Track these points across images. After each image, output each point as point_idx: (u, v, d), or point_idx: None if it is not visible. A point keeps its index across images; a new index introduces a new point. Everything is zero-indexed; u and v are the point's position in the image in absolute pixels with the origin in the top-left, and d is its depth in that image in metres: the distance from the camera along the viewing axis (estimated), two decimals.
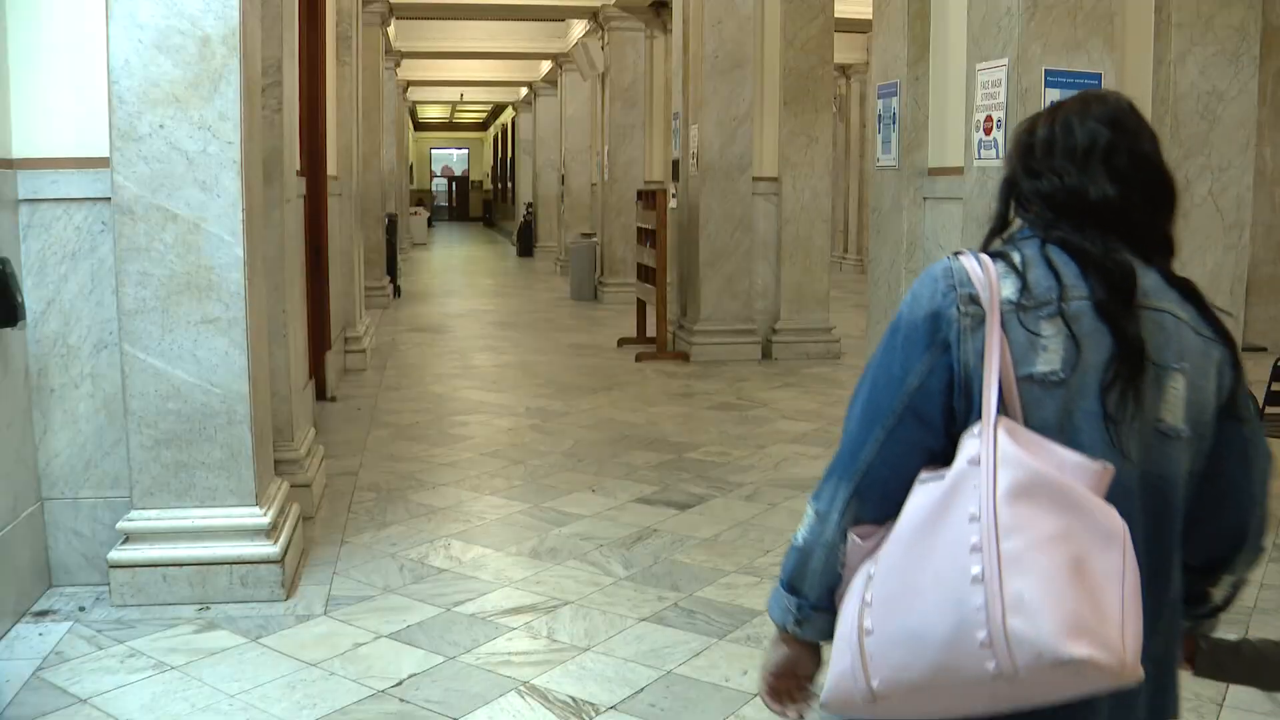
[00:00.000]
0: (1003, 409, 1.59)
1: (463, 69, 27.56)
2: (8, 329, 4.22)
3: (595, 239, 17.87)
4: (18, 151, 4.48)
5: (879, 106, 6.77)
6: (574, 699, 3.79)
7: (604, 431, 7.88)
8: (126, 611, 4.44)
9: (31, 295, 4.51)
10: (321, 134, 8.58)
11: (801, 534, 1.76)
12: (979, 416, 1.59)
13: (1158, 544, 1.64)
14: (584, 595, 4.75)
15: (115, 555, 4.50)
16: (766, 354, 11.25)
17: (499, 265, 25.90)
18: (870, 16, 7.09)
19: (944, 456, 1.63)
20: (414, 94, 33.59)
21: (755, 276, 11.33)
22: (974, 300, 1.64)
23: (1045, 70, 5.10)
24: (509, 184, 39.26)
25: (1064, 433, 1.60)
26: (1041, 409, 1.61)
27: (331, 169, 9.23)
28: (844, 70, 22.12)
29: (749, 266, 11.27)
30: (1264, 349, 10.69)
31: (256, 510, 4.60)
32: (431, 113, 46.35)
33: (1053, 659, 1.44)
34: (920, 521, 1.57)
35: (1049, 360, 1.62)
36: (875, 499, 1.67)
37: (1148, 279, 1.71)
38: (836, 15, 11.36)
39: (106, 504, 4.69)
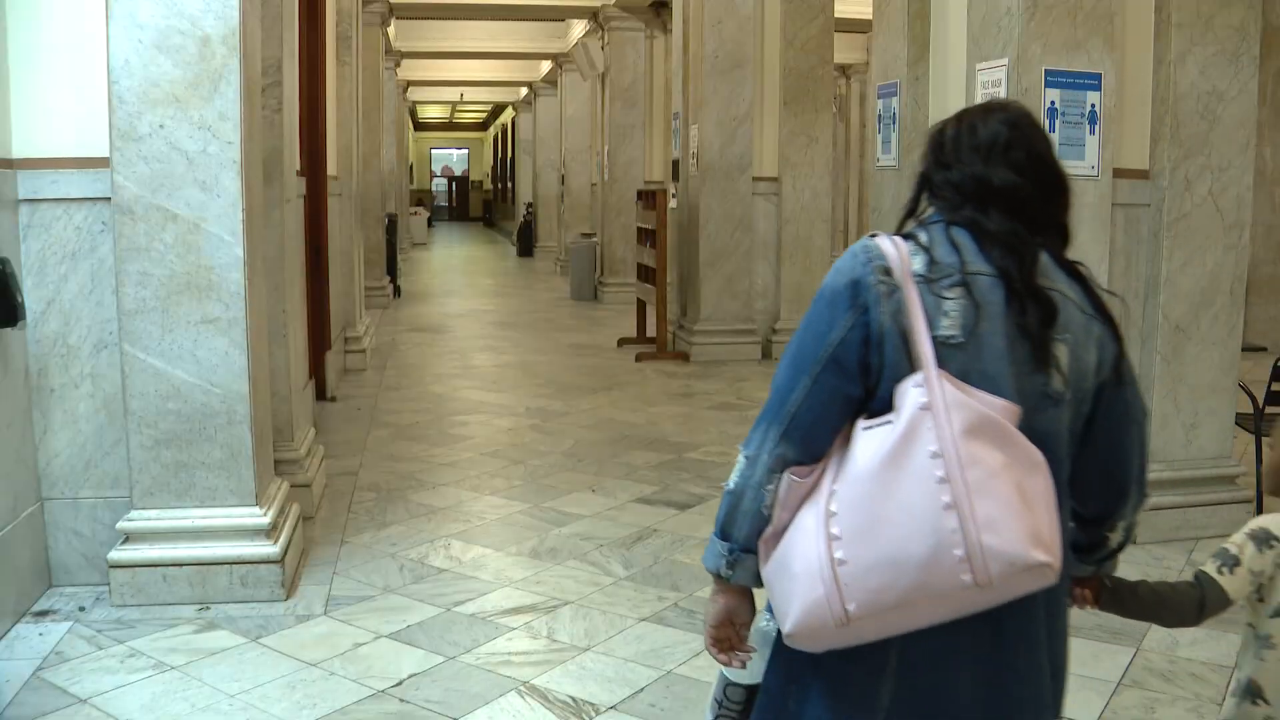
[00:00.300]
0: (918, 364, 1.83)
1: (463, 69, 27.56)
2: (8, 329, 4.22)
3: (595, 239, 17.87)
4: (18, 151, 4.48)
5: (879, 106, 6.77)
6: (574, 699, 3.79)
7: (604, 431, 7.88)
8: (126, 611, 4.44)
9: (31, 295, 4.51)
10: (321, 134, 8.58)
11: (733, 479, 1.95)
12: (892, 371, 1.85)
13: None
14: (584, 595, 4.74)
15: (115, 555, 4.50)
16: (766, 354, 11.25)
17: (499, 265, 25.90)
18: (870, 16, 7.10)
19: (860, 405, 1.89)
20: (414, 94, 33.57)
21: (755, 276, 11.33)
22: (888, 272, 1.88)
23: (1045, 70, 5.09)
24: (509, 184, 39.27)
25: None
26: (944, 367, 1.83)
27: (331, 169, 9.23)
28: (844, 70, 22.11)
29: (749, 266, 11.27)
30: (1264, 349, 10.68)
31: (256, 510, 4.60)
32: (431, 113, 46.35)
33: (1024, 565, 1.73)
34: (880, 462, 1.79)
35: (950, 326, 1.85)
36: (799, 440, 1.88)
37: (1043, 258, 1.95)
38: (836, 15, 11.37)
39: (106, 504, 4.68)
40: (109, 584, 4.51)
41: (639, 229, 12.74)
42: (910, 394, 1.80)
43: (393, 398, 9.26)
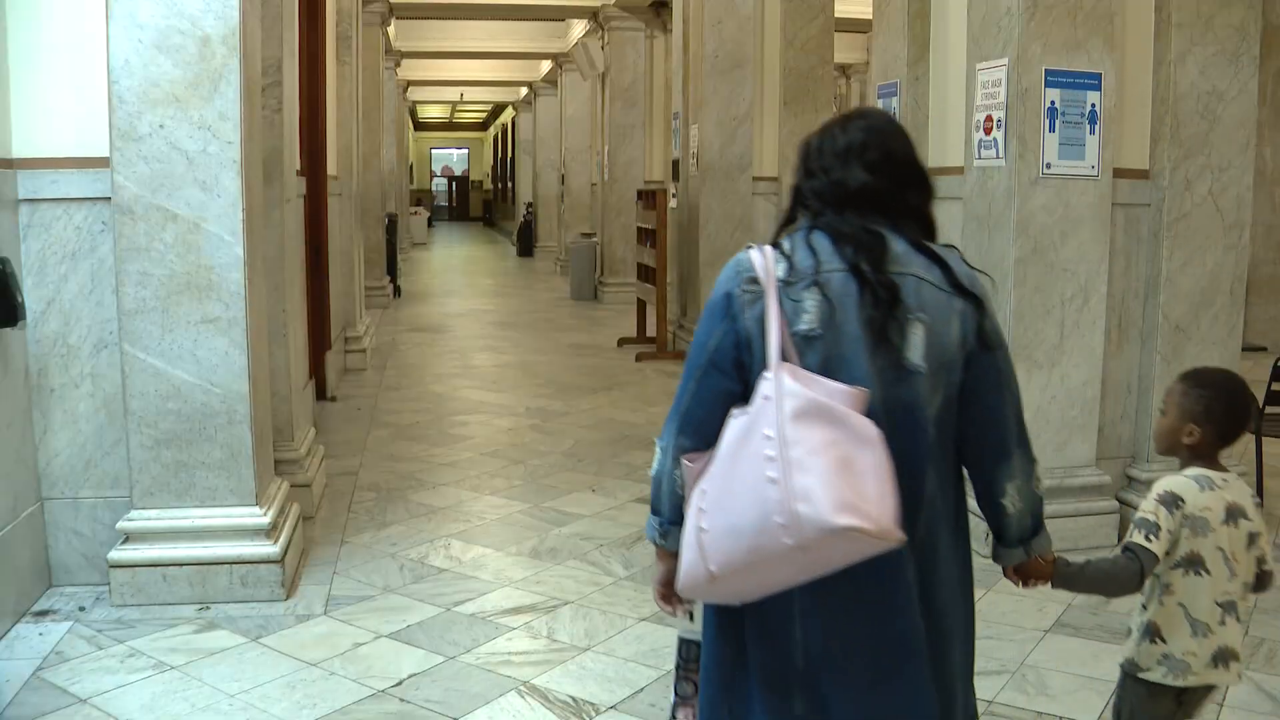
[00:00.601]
0: (785, 357, 2.14)
1: (463, 69, 27.54)
2: (8, 329, 4.22)
3: (595, 239, 17.86)
4: (18, 151, 4.48)
5: (879, 106, 6.77)
6: (574, 699, 3.79)
7: (604, 431, 7.88)
8: (126, 611, 4.44)
9: (31, 295, 4.51)
10: (321, 134, 8.58)
11: (654, 467, 2.35)
12: (763, 365, 2.14)
13: (910, 451, 2.19)
14: (584, 595, 4.74)
15: (115, 555, 4.50)
16: None
17: (499, 265, 25.89)
18: (870, 16, 7.09)
19: (742, 398, 2.18)
20: (414, 94, 33.55)
21: None
22: (754, 281, 2.22)
23: (1045, 70, 5.09)
24: (509, 184, 39.26)
25: (825, 373, 2.14)
26: (807, 357, 2.17)
27: (331, 169, 9.23)
28: (844, 70, 22.10)
29: None
30: (1264, 349, 10.69)
31: (256, 510, 4.60)
32: (431, 112, 46.33)
33: (830, 529, 1.96)
34: (731, 445, 2.11)
35: (809, 321, 2.18)
36: (693, 432, 2.25)
37: (898, 246, 2.24)
38: (836, 15, 11.35)
39: (106, 504, 4.69)
40: (109, 584, 4.51)
41: (639, 229, 12.74)
42: (760, 387, 2.11)
43: (393, 398, 9.26)
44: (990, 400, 2.31)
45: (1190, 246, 5.46)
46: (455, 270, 24.69)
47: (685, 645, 2.57)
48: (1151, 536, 2.64)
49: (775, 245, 2.28)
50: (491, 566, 5.12)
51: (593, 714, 3.70)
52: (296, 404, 5.86)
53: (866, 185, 2.25)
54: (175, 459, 4.53)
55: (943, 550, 2.31)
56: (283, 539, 4.67)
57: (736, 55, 11.06)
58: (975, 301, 2.27)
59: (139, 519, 4.53)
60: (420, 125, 48.03)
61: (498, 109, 40.71)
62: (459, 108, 43.22)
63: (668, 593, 2.43)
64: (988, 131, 5.31)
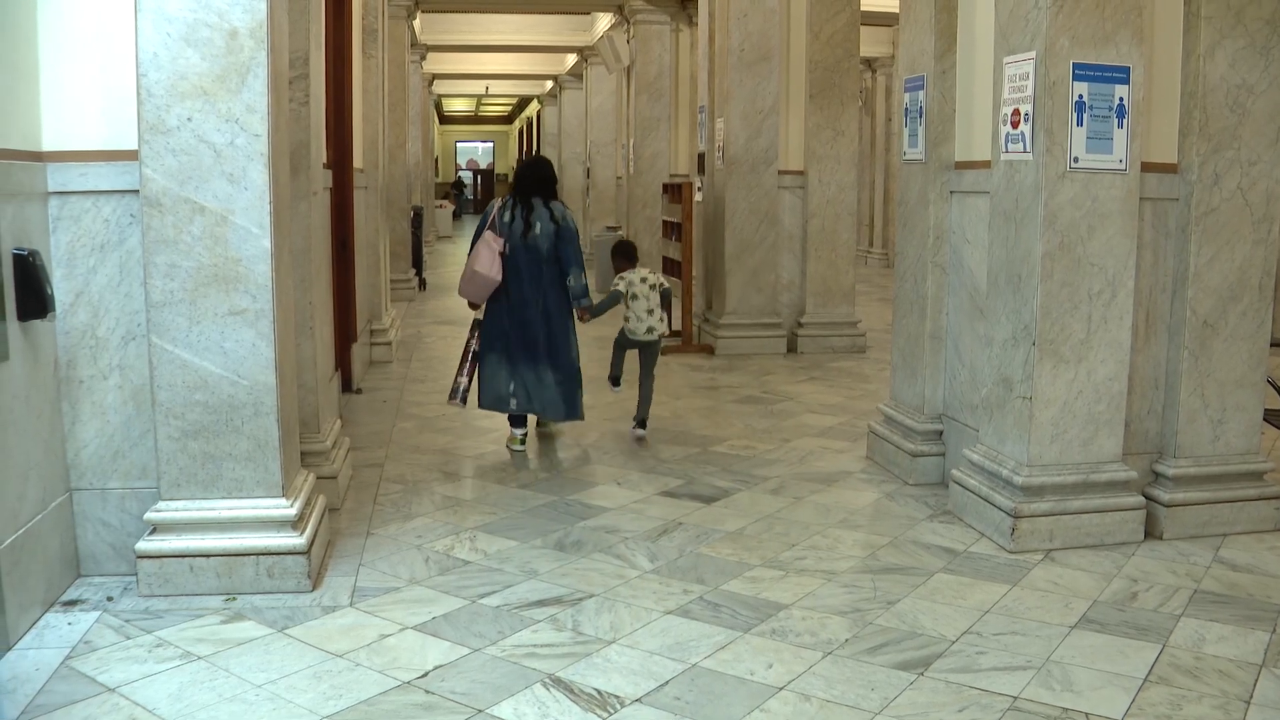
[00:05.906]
0: (494, 230, 7.12)
1: (488, 62, 27.59)
2: (37, 320, 4.26)
3: (621, 232, 17.86)
4: (47, 144, 4.51)
5: (906, 100, 6.74)
6: (599, 691, 3.79)
7: (630, 424, 7.87)
8: (154, 602, 4.47)
9: (60, 287, 4.54)
10: (348, 127, 8.61)
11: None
12: (480, 231, 7.34)
13: (534, 264, 7.06)
14: (609, 588, 4.75)
15: (143, 546, 4.53)
16: (792, 347, 11.24)
17: None
18: (897, 9, 7.06)
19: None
20: (439, 87, 33.61)
21: (781, 270, 11.32)
22: (494, 210, 7.22)
23: (1073, 63, 5.06)
24: None
25: (507, 238, 7.08)
26: (501, 230, 7.12)
27: (358, 162, 9.25)
28: (870, 64, 22.04)
29: (774, 260, 11.26)
30: None
31: (283, 501, 4.63)
32: (457, 106, 46.39)
33: (486, 274, 7.18)
34: (478, 251, 7.13)
35: (504, 221, 7.13)
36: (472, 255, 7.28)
37: (540, 204, 7.14)
38: (863, 8, 11.32)
39: (134, 495, 4.72)
40: (137, 574, 4.54)
41: (664, 222, 12.74)
42: (485, 235, 7.11)
43: (418, 390, 9.30)
44: (564, 250, 7.05)
45: (1218, 241, 5.42)
46: None
47: (476, 323, 7.23)
48: (617, 287, 7.40)
49: (501, 198, 7.28)
50: (517, 559, 5.13)
51: (618, 706, 3.70)
52: (323, 396, 5.89)
53: (531, 188, 7.12)
54: (202, 450, 4.56)
55: (553, 302, 7.07)
56: (309, 530, 4.69)
57: (762, 48, 11.05)
58: (560, 223, 7.07)
59: (166, 510, 4.56)
60: (446, 119, 48.11)
61: (523, 102, 40.74)
62: (484, 101, 43.27)
63: (472, 305, 7.32)
64: (1015, 125, 5.28)
